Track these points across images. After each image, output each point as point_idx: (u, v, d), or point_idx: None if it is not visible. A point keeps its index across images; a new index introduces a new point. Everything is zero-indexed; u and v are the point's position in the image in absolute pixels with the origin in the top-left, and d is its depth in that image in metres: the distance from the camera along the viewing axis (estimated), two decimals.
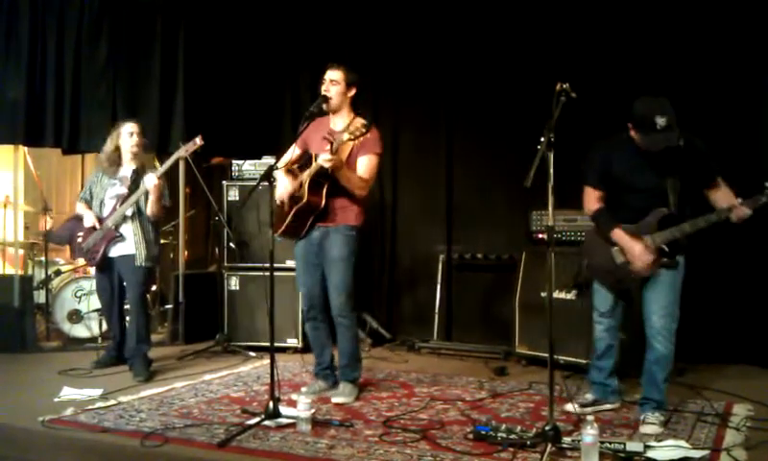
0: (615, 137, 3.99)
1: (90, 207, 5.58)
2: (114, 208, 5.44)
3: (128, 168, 5.55)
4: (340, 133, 4.47)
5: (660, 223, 3.91)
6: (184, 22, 7.06)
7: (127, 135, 5.53)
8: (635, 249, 3.93)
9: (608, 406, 4.25)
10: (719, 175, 3.94)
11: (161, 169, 5.39)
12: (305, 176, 4.50)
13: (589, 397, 4.34)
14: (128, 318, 5.73)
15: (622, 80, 5.76)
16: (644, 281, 4.03)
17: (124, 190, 5.46)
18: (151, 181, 5.27)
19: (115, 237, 5.42)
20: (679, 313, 4.02)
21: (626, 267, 3.99)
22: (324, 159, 4.33)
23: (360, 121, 4.38)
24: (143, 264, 5.40)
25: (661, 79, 5.83)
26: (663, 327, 3.96)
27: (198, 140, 5.34)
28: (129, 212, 5.40)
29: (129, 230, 5.42)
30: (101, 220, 5.48)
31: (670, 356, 3.99)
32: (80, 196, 5.74)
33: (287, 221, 4.61)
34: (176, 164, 7.06)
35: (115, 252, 5.46)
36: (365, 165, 4.59)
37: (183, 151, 5.39)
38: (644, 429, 3.89)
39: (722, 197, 3.94)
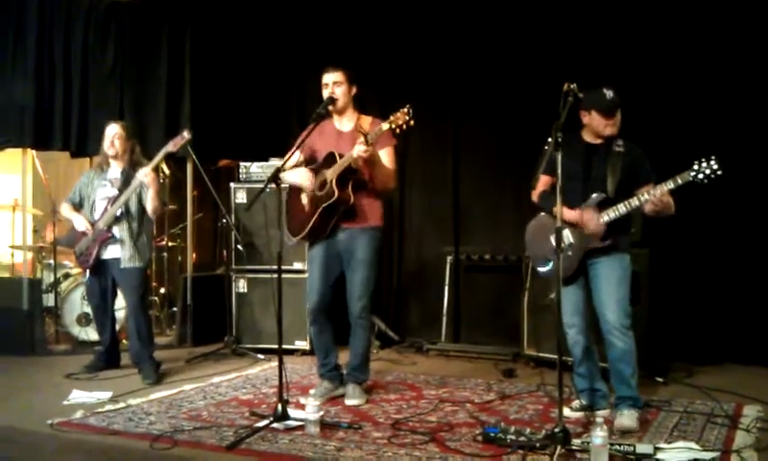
0: (566, 135, 3.97)
1: (77, 210, 5.55)
2: (106, 210, 5.43)
3: (116, 169, 5.54)
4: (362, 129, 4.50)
5: (599, 206, 4.00)
6: (191, 25, 7.09)
7: (105, 139, 5.52)
8: (575, 215, 4.02)
9: (599, 412, 4.13)
10: (654, 179, 3.96)
11: (151, 164, 5.29)
12: (330, 173, 4.48)
13: (577, 404, 4.28)
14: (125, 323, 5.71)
15: (629, 81, 5.75)
16: (592, 279, 4.10)
17: (114, 191, 5.44)
18: (145, 175, 5.22)
19: (108, 238, 5.41)
20: (630, 309, 4.04)
21: (570, 249, 4.04)
22: (360, 151, 4.29)
23: (400, 112, 4.24)
24: (128, 265, 5.37)
25: (669, 79, 5.83)
26: (618, 322, 3.97)
27: (185, 134, 5.29)
28: (118, 213, 5.38)
29: (116, 230, 5.41)
30: (92, 223, 5.46)
31: (632, 350, 3.99)
32: (67, 198, 5.69)
33: (312, 222, 4.58)
34: (183, 166, 7.13)
35: (108, 254, 5.45)
36: (386, 157, 4.59)
37: (172, 145, 5.31)
38: (619, 422, 3.89)
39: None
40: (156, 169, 5.39)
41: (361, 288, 4.61)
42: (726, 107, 5.70)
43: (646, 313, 5.22)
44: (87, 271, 5.61)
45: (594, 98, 4.01)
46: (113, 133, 5.50)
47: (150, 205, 5.37)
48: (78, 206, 5.58)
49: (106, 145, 5.51)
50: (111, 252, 5.44)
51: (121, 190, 5.40)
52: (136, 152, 5.59)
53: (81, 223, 5.46)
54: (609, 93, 4.00)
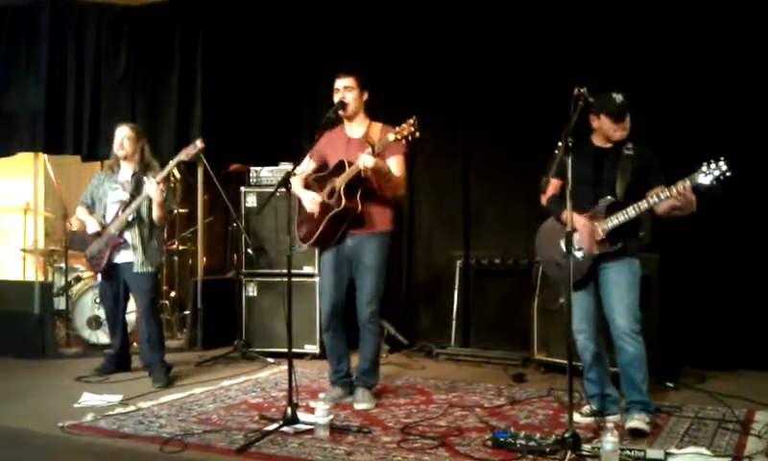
0: (577, 139, 3.95)
1: (92, 213, 5.59)
2: (117, 214, 5.45)
3: (127, 171, 5.55)
4: (371, 137, 4.52)
5: (608, 210, 3.99)
6: (203, 30, 7.10)
7: (115, 141, 5.53)
8: (579, 221, 3.99)
9: (609, 417, 4.06)
10: (664, 182, 3.92)
11: (161, 173, 5.33)
12: (339, 181, 4.49)
13: (587, 409, 4.25)
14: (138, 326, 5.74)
15: (638, 84, 5.74)
16: (602, 284, 4.08)
17: (126, 195, 5.46)
18: (151, 187, 5.25)
19: (120, 244, 5.44)
20: (640, 314, 4.02)
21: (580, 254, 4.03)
22: (366, 161, 4.32)
23: (406, 123, 4.29)
24: (140, 270, 5.39)
25: (678, 82, 5.81)
26: (628, 327, 3.95)
27: (198, 143, 5.30)
28: (129, 218, 5.40)
29: (128, 235, 5.43)
30: (104, 226, 5.49)
31: (642, 355, 3.96)
32: (80, 200, 5.72)
33: (320, 229, 4.60)
34: (194, 170, 7.15)
35: (120, 258, 5.48)
36: (395, 166, 4.60)
37: (184, 155, 5.33)
38: (630, 424, 3.87)
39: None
40: (167, 176, 5.41)
41: (369, 294, 4.62)
42: (737, 109, 5.66)
43: (657, 318, 5.20)
44: (99, 274, 5.64)
45: (604, 102, 3.99)
46: (123, 135, 5.52)
47: (154, 214, 5.40)
48: (91, 209, 5.61)
49: (115, 147, 5.53)
50: (123, 256, 5.47)
51: (132, 194, 5.41)
52: (146, 153, 5.61)
53: (92, 226, 5.49)
54: (618, 97, 3.99)
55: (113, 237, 5.42)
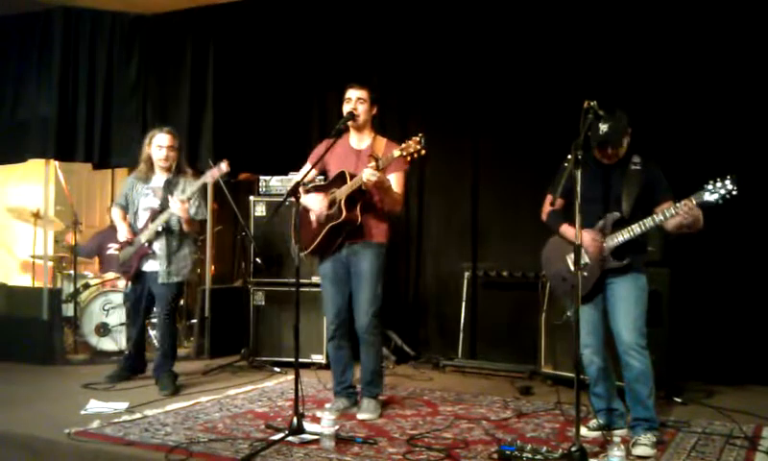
0: (585, 153, 3.93)
1: (126, 215, 5.60)
2: (147, 224, 5.47)
3: (160, 178, 5.55)
4: (379, 152, 4.51)
5: (614, 226, 3.98)
6: (214, 41, 7.15)
7: (156, 148, 5.50)
8: (586, 237, 3.95)
9: (616, 432, 4.01)
10: (672, 197, 3.91)
11: (186, 193, 5.34)
12: (340, 193, 4.51)
13: (594, 423, 4.23)
14: (153, 332, 5.75)
15: (647, 96, 5.74)
16: (608, 299, 4.06)
17: (156, 202, 5.47)
18: (175, 205, 5.25)
19: (147, 253, 5.46)
20: (646, 329, 3.99)
21: (586, 269, 4.01)
22: (369, 175, 4.31)
23: (412, 140, 4.28)
24: (164, 280, 5.42)
25: (688, 96, 5.81)
26: (634, 342, 3.92)
27: (223, 166, 5.23)
28: (159, 228, 5.42)
29: (156, 246, 5.45)
30: (134, 233, 5.51)
31: (648, 370, 3.94)
32: (116, 202, 5.74)
33: (319, 239, 4.62)
34: None
35: (148, 266, 5.51)
36: (395, 182, 4.60)
37: (209, 177, 5.35)
38: (636, 451, 3.81)
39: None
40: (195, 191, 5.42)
41: (366, 304, 4.62)
42: (748, 124, 5.66)
43: (666, 332, 5.18)
44: (129, 281, 5.66)
45: (594, 127, 3.91)
46: (166, 145, 5.48)
47: (184, 227, 5.43)
48: (126, 210, 5.62)
49: (157, 156, 5.49)
50: (151, 265, 5.50)
51: (162, 203, 5.41)
52: (181, 157, 5.63)
53: (123, 233, 5.52)
54: (603, 127, 3.89)
55: (142, 247, 5.45)
